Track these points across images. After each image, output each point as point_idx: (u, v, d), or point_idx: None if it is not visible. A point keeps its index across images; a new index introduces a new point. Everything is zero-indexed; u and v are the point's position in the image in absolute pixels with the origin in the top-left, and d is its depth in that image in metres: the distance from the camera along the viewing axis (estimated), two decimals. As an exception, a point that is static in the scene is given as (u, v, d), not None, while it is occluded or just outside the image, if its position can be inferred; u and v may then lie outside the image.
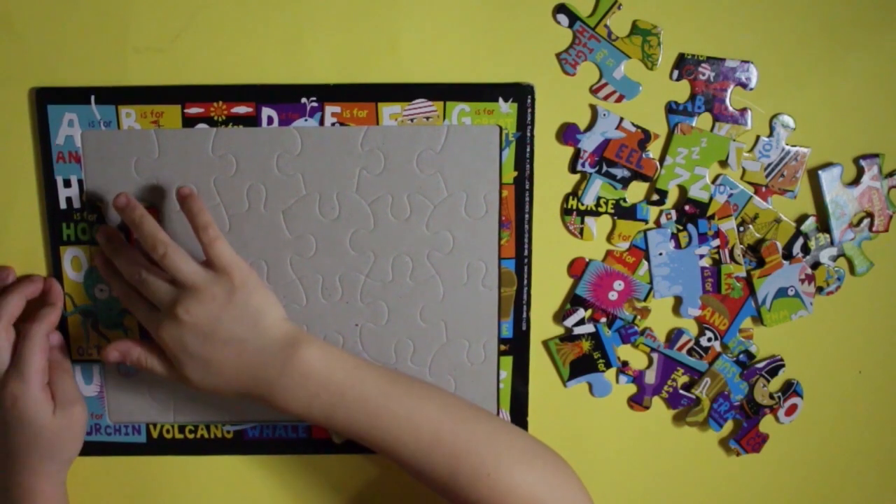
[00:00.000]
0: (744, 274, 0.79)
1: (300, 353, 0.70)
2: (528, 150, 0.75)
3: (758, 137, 0.77)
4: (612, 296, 0.79)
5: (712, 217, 0.78)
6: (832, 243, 0.78)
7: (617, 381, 0.81)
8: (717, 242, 0.78)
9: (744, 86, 0.75)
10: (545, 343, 0.80)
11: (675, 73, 0.75)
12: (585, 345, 0.80)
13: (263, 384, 0.70)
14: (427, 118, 0.75)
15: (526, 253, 0.77)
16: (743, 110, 0.76)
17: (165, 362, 0.72)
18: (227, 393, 0.71)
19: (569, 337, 0.80)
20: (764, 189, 0.78)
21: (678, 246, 0.78)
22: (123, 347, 0.73)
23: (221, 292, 0.69)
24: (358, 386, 0.70)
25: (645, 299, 0.79)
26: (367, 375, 0.71)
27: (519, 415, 0.81)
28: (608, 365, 0.80)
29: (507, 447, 0.71)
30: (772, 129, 0.76)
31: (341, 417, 0.70)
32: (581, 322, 0.80)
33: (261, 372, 0.69)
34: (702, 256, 0.78)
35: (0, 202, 0.76)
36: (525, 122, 0.75)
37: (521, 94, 0.74)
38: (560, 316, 0.80)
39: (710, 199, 0.77)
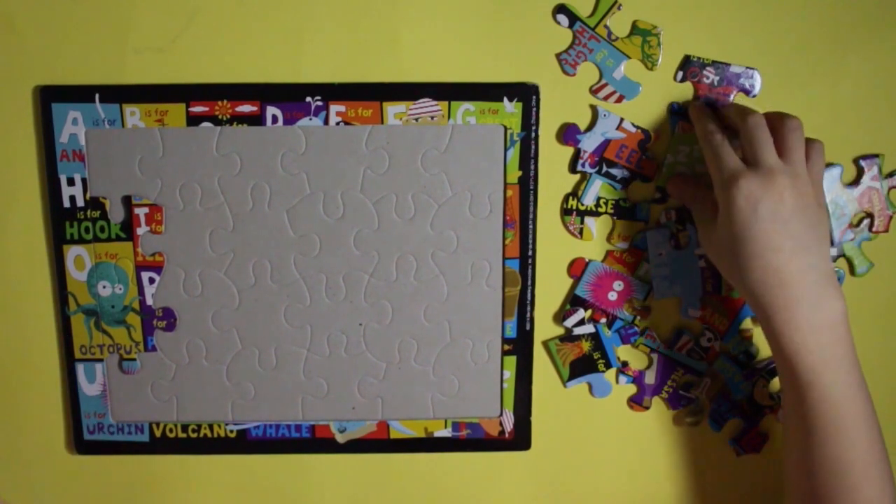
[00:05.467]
0: (744, 274, 0.79)
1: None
2: (532, 149, 0.76)
3: (758, 138, 0.77)
4: (612, 296, 0.79)
5: (713, 217, 0.78)
6: (832, 244, 0.79)
7: (617, 381, 0.81)
8: (717, 243, 0.78)
9: (747, 92, 0.75)
10: (545, 343, 0.80)
11: (680, 74, 0.75)
12: (585, 345, 0.80)
13: (787, 301, 0.67)
14: (432, 117, 0.75)
15: (530, 253, 0.78)
16: (743, 111, 0.76)
17: (705, 214, 0.73)
18: (731, 277, 0.71)
19: (569, 337, 0.80)
20: (764, 190, 0.78)
21: (678, 246, 0.78)
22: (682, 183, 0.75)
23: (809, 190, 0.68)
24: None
25: (645, 299, 0.80)
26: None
27: (523, 415, 0.81)
28: (608, 365, 0.81)
29: None
30: (772, 130, 0.77)
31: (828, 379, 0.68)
32: (581, 322, 0.80)
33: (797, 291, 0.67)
34: (702, 257, 0.79)
35: (3, 200, 0.76)
36: (530, 121, 0.75)
37: (525, 94, 0.75)
38: (560, 316, 0.80)
39: (711, 199, 0.78)
